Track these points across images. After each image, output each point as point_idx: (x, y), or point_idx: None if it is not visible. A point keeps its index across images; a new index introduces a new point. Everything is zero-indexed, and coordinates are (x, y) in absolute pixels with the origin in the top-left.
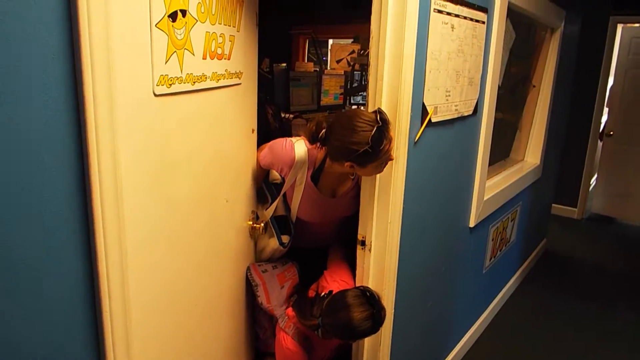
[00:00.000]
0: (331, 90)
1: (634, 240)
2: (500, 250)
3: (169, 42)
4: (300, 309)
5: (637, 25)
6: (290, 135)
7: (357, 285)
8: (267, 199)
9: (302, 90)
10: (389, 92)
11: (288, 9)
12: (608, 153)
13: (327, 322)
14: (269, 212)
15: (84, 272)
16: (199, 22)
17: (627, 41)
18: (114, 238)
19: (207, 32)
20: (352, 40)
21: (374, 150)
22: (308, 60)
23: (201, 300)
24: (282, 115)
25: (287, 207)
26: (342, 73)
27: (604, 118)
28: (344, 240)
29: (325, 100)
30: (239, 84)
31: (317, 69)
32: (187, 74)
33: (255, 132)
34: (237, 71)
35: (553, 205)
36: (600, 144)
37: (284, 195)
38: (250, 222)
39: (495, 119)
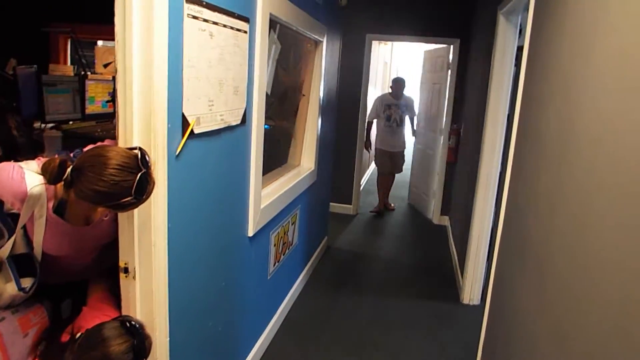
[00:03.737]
0: (98, 97)
1: (400, 229)
2: (283, 254)
3: None
4: (47, 358)
5: (434, 46)
6: (43, 151)
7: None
8: (2, 233)
9: (60, 96)
10: (141, 102)
11: (40, 3)
12: None
13: None
14: (4, 250)
15: None
16: None
17: (427, 59)
18: None
19: None
20: None
21: (137, 199)
22: (73, 63)
23: None
24: (38, 126)
25: (30, 242)
26: (110, 78)
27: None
28: (109, 269)
29: (92, 108)
30: None
31: (81, 73)
32: None
33: None
34: None
35: (333, 204)
36: (365, 151)
37: (25, 228)
38: None
39: (272, 126)
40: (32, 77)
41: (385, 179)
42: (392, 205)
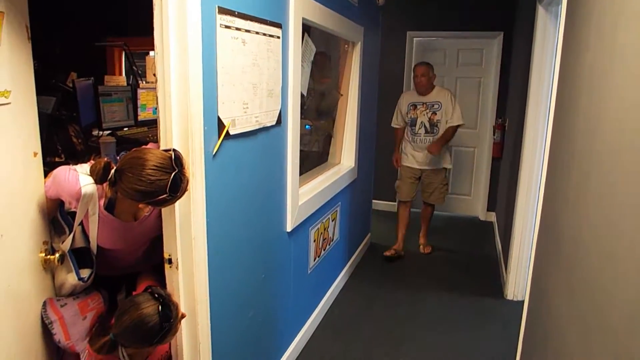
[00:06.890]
0: (149, 105)
1: (443, 227)
2: (324, 250)
3: None
4: (100, 334)
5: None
6: (99, 155)
7: None
8: (64, 229)
9: (115, 105)
10: (179, 108)
11: (93, 20)
12: None
13: (118, 332)
14: (65, 244)
15: None
16: None
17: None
18: None
19: None
20: None
21: (172, 197)
22: (127, 74)
23: None
24: (96, 133)
25: (87, 237)
26: None
27: None
28: (157, 266)
29: (144, 115)
30: (8, 103)
31: (133, 83)
32: None
33: (40, 155)
34: (2, 90)
35: (377, 201)
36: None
37: (83, 225)
38: (43, 254)
39: (313, 126)
40: (89, 88)
41: (404, 208)
42: (428, 248)
